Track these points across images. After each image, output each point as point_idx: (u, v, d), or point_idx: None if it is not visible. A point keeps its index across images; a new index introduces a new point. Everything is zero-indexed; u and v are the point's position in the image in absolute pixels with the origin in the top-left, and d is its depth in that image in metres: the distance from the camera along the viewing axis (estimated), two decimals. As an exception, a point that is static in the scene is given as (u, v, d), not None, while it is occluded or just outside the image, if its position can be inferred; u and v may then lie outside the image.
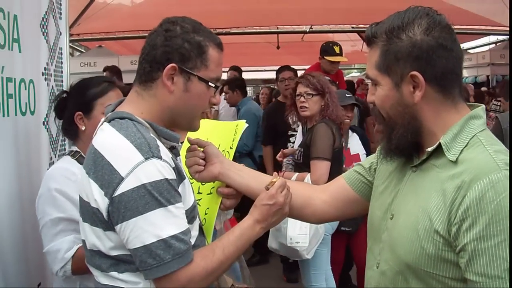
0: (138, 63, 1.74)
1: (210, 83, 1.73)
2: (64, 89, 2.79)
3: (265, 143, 5.89)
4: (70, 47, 11.24)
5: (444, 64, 1.47)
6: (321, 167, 3.72)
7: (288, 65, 6.29)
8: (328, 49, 5.77)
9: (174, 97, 1.70)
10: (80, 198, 1.68)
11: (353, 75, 21.25)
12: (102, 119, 1.74)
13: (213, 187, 2.03)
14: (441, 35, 1.46)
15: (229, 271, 2.09)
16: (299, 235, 3.64)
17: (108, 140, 1.63)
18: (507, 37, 10.74)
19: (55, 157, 2.64)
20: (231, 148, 2.16)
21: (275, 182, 1.86)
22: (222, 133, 2.23)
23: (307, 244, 3.65)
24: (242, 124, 2.23)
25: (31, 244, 2.29)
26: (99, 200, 1.57)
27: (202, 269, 1.63)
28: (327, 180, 3.56)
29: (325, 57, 5.76)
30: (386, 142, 1.62)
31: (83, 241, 1.72)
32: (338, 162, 3.92)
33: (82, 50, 12.05)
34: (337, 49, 5.73)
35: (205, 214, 2.02)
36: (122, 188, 1.53)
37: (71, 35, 9.02)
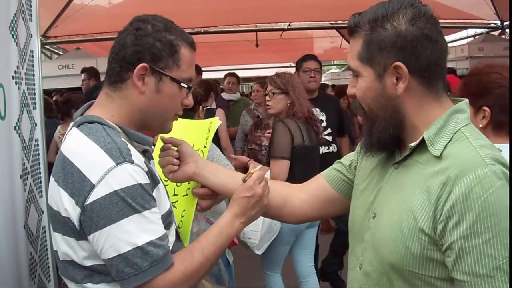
0: (108, 63, 1.67)
1: (182, 84, 1.68)
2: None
3: None
4: (48, 49, 11.27)
5: (429, 56, 1.42)
6: (278, 165, 3.80)
7: (313, 54, 5.70)
8: None
9: (145, 98, 1.64)
10: (50, 207, 1.60)
11: (332, 71, 21.39)
12: (71, 124, 1.68)
13: (188, 188, 1.98)
14: (426, 25, 1.42)
15: (208, 274, 2.03)
16: (251, 232, 3.74)
17: (77, 146, 1.56)
18: (485, 30, 10.87)
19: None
20: (205, 147, 2.10)
21: (252, 174, 1.81)
22: (195, 132, 2.17)
23: (257, 241, 3.75)
24: (216, 122, 2.18)
25: (5, 250, 2.22)
26: (70, 209, 1.50)
27: (182, 274, 1.56)
28: (286, 178, 3.70)
29: None
30: (367, 136, 1.57)
31: (55, 252, 1.65)
32: (306, 159, 3.93)
33: (60, 53, 11.94)
34: None
35: (182, 216, 1.96)
36: (94, 196, 1.46)
37: (48, 37, 8.94)
